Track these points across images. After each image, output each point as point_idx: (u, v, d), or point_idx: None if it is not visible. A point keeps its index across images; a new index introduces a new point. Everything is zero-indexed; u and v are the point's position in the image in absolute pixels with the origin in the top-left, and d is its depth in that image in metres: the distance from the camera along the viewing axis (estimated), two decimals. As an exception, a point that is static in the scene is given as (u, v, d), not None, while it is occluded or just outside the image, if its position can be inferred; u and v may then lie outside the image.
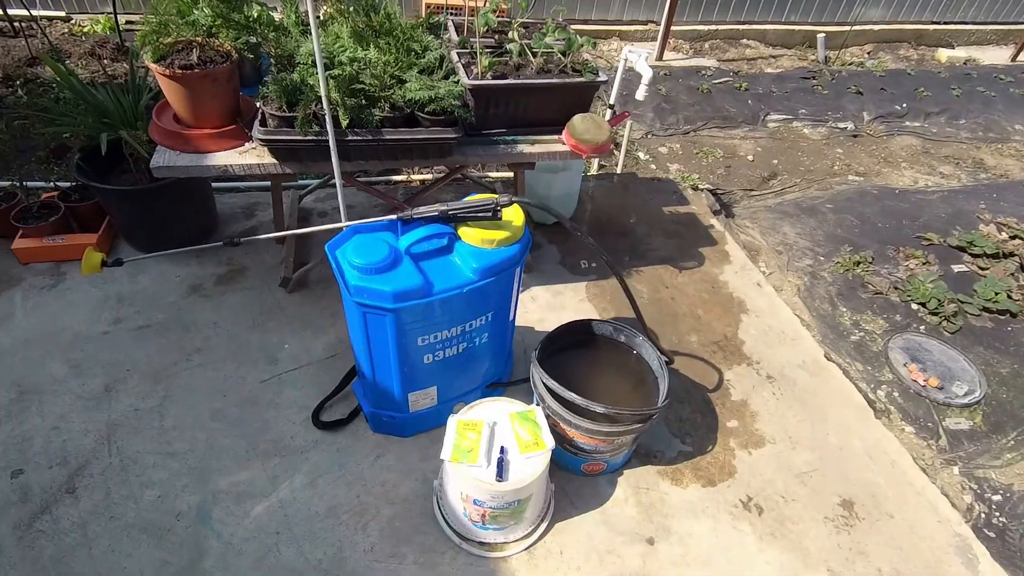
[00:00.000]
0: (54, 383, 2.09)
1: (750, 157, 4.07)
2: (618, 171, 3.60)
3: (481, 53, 2.13)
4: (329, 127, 1.85)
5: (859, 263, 3.10)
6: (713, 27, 5.80)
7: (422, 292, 1.61)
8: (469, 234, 1.71)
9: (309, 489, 1.86)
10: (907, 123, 4.72)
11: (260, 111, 1.96)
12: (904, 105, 4.82)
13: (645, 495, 1.95)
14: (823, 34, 5.73)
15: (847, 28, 5.89)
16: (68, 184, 2.64)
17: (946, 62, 6.04)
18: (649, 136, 4.20)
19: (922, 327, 2.77)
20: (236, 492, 1.84)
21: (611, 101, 3.16)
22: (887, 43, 6.24)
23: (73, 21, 4.87)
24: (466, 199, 1.74)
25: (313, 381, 2.17)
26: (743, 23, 5.85)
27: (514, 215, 1.76)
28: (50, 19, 4.82)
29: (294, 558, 1.70)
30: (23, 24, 4.43)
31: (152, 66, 1.88)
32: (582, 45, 2.27)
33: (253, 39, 2.09)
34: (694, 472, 2.02)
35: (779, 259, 3.15)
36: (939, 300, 2.82)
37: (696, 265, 2.89)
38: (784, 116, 4.58)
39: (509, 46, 2.23)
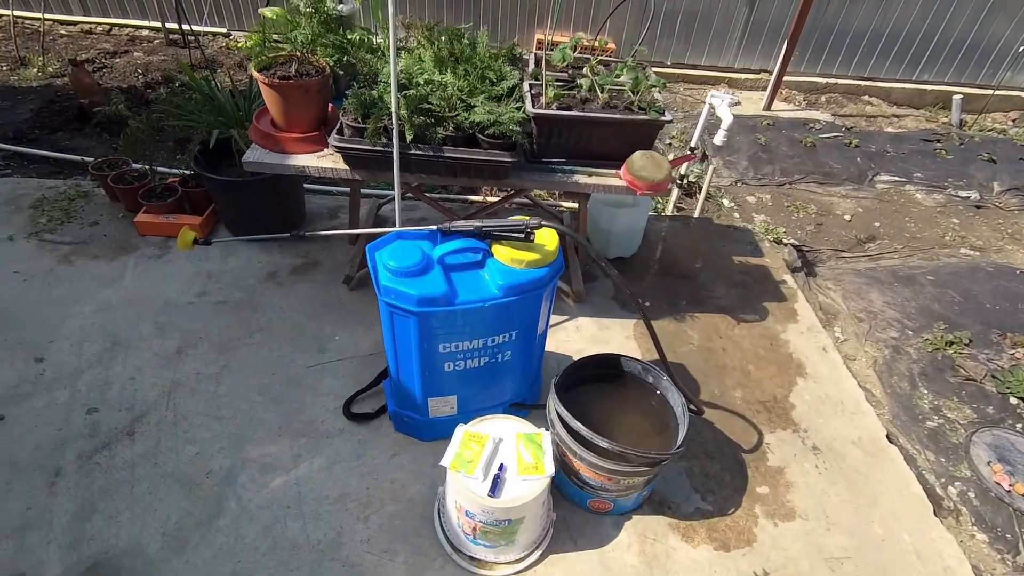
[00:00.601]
0: (140, 340, 2.38)
1: (847, 217, 3.81)
2: (695, 215, 3.52)
3: (549, 84, 2.21)
4: (395, 141, 2.00)
5: (953, 343, 2.79)
6: (832, 80, 5.53)
7: (445, 300, 1.68)
8: (501, 252, 1.76)
9: (325, 472, 1.97)
10: (1047, 199, 4.20)
11: (340, 121, 2.16)
12: (1046, 179, 4.30)
13: (650, 545, 1.86)
14: (960, 96, 5.27)
15: (989, 92, 5.38)
16: (187, 172, 3.02)
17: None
18: (738, 184, 4.07)
19: (1019, 425, 2.43)
20: (262, 462, 1.99)
21: (692, 143, 3.13)
22: (1038, 111, 5.62)
23: (231, 37, 5.60)
24: (506, 220, 1.81)
25: (352, 373, 2.30)
26: (866, 79, 5.53)
27: (548, 240, 1.80)
28: (213, 34, 5.58)
29: (297, 533, 1.81)
30: (191, 37, 5.16)
31: (256, 75, 2.14)
32: (654, 85, 2.29)
33: (348, 58, 2.32)
34: (708, 532, 1.91)
35: (858, 327, 2.91)
36: (1045, 398, 2.47)
37: (757, 319, 2.75)
38: (896, 178, 4.25)
39: (580, 80, 2.29)
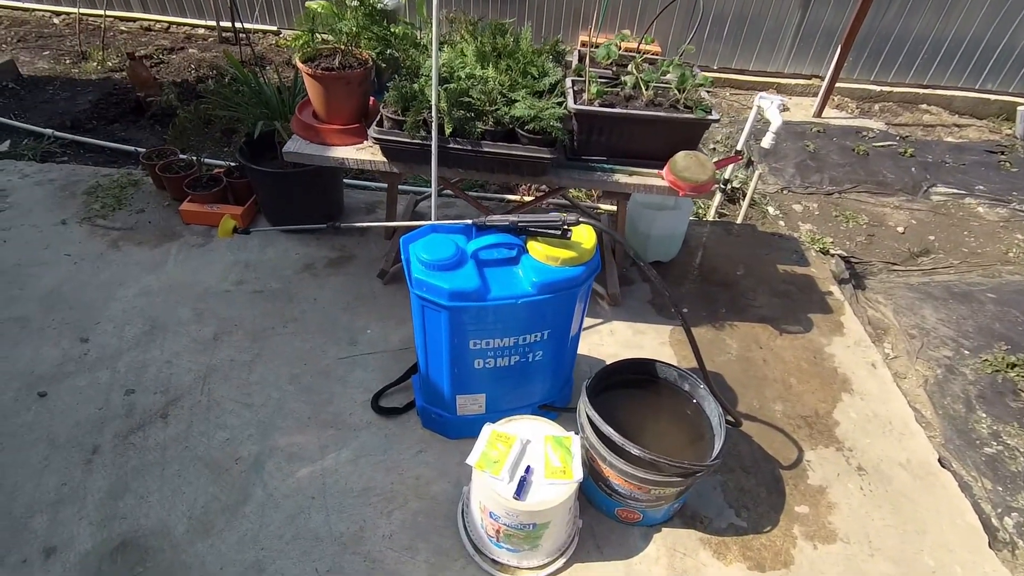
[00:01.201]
0: (178, 325, 2.43)
1: (900, 229, 3.64)
2: (738, 221, 3.41)
3: (592, 80, 2.16)
4: (434, 134, 1.99)
5: (1015, 365, 2.62)
6: (888, 88, 5.31)
7: (477, 295, 1.65)
8: (536, 249, 1.72)
9: (351, 465, 1.96)
10: (1123, 217, 3.92)
11: (380, 114, 2.16)
12: (1122, 196, 4.02)
13: (680, 560, 1.78)
14: (1026, 107, 4.99)
15: (1059, 103, 5.07)
16: (232, 163, 3.08)
17: None
18: (785, 191, 3.93)
19: (1087, 457, 2.25)
20: (289, 452, 1.99)
21: (739, 147, 3.03)
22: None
23: (281, 35, 5.72)
24: (542, 215, 1.77)
25: (382, 367, 2.29)
26: (925, 87, 5.29)
27: (586, 237, 1.75)
28: (264, 32, 5.72)
29: (320, 525, 1.80)
30: (242, 35, 5.30)
31: (300, 66, 2.16)
32: (700, 84, 2.22)
33: (392, 52, 2.32)
34: (742, 550, 1.82)
35: (910, 343, 2.75)
36: (1118, 429, 2.28)
37: (800, 331, 2.63)
38: (954, 190, 4.04)
39: (624, 78, 2.24)
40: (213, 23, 5.55)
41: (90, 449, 1.95)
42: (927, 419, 2.35)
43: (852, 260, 3.32)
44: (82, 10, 5.41)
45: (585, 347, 2.42)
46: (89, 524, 1.75)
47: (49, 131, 3.66)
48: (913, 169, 4.19)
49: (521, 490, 1.57)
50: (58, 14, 5.68)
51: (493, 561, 1.73)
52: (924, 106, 5.34)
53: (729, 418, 1.83)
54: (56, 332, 2.35)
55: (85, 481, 1.86)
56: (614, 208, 3.34)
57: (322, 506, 1.85)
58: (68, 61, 4.79)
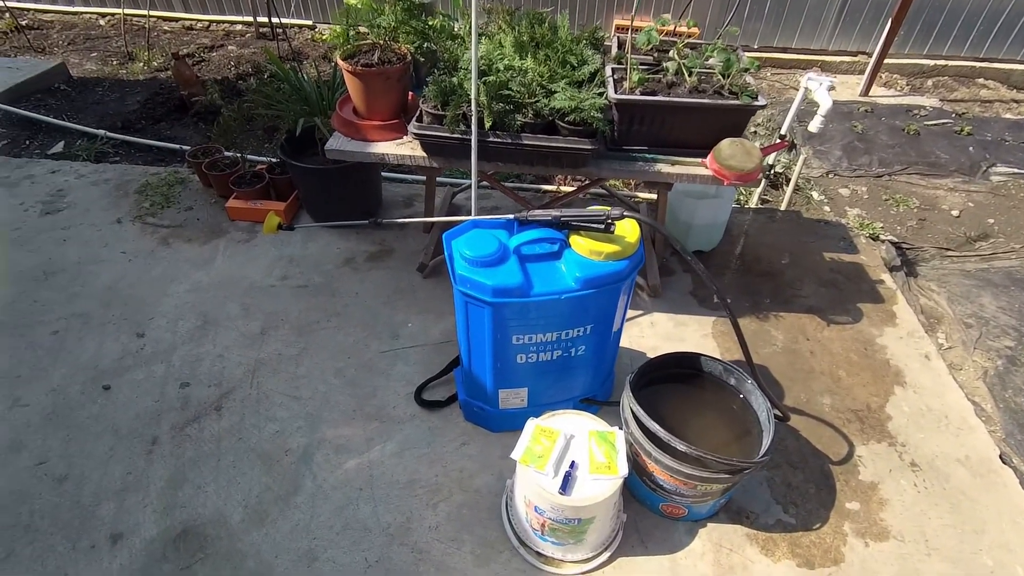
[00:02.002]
0: (228, 320, 2.51)
1: (955, 212, 3.47)
2: (782, 208, 3.31)
3: (633, 68, 2.11)
4: (473, 128, 1.98)
5: (1082, 357, 2.49)
6: (941, 62, 5.05)
7: (520, 291, 1.65)
8: (579, 243, 1.71)
9: (396, 458, 2.00)
10: None
11: (420, 108, 2.16)
12: None
13: (726, 556, 1.77)
14: (1095, 78, 4.69)
15: None
16: (273, 159, 3.14)
17: None
18: (831, 175, 3.79)
19: None
20: (337, 444, 2.04)
21: (783, 131, 2.93)
22: None
23: (316, 29, 5.78)
24: (585, 209, 1.75)
25: (424, 360, 2.32)
26: (981, 60, 5.01)
27: (629, 232, 1.73)
28: (300, 27, 5.79)
29: (368, 516, 1.84)
30: (279, 30, 5.37)
31: (340, 63, 2.18)
32: (747, 68, 2.15)
33: (429, 45, 2.32)
34: (791, 547, 1.79)
35: (966, 333, 2.64)
36: None
37: (849, 321, 2.55)
38: (1016, 169, 3.83)
39: (666, 64, 2.18)
40: (250, 19, 5.64)
41: (150, 440, 2.04)
42: (987, 413, 2.26)
43: (903, 246, 3.20)
44: (126, 10, 5.57)
45: (626, 339, 2.40)
46: (153, 512, 1.84)
47: (102, 132, 3.79)
48: (970, 148, 3.98)
49: (566, 485, 1.58)
50: (104, 15, 5.86)
51: (538, 554, 1.75)
52: (981, 81, 5.06)
53: (776, 412, 1.79)
54: (115, 327, 2.45)
55: (147, 471, 1.95)
56: (653, 196, 3.29)
57: (370, 497, 1.89)
58: (115, 62, 4.94)
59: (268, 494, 1.90)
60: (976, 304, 2.80)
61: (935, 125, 4.24)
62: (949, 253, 3.21)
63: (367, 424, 2.11)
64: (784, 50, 5.25)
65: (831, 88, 2.60)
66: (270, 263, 2.79)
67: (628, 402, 1.75)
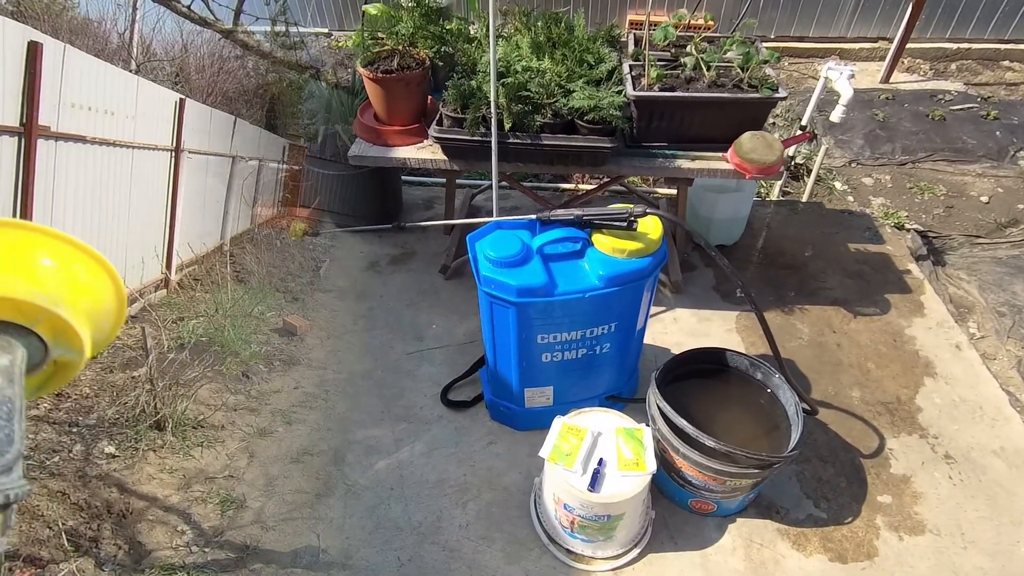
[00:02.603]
0: (257, 325, 2.56)
1: (984, 198, 3.40)
2: (804, 199, 3.28)
3: (651, 64, 2.11)
4: (493, 130, 2.00)
5: (1121, 344, 2.42)
6: (965, 45, 4.94)
7: (544, 291, 1.66)
8: (602, 242, 1.72)
9: (425, 458, 2.03)
10: None
11: (440, 112, 2.19)
12: None
13: (757, 551, 1.76)
14: None
15: None
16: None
17: None
18: (853, 164, 3.74)
19: None
20: (367, 445, 2.08)
21: (803, 122, 2.90)
22: None
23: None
24: (607, 207, 1.76)
25: (449, 361, 2.35)
26: (1006, 41, 4.89)
27: (652, 228, 1.73)
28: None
29: (399, 515, 1.87)
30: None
31: (361, 70, 2.21)
32: (766, 60, 2.14)
33: (447, 49, 2.34)
34: (822, 541, 1.78)
35: (999, 322, 2.59)
36: None
37: (877, 312, 2.52)
38: (1045, 153, 3.73)
39: (684, 59, 2.18)
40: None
41: (186, 444, 2.09)
42: (1021, 403, 2.22)
43: (930, 234, 3.15)
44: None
45: (649, 336, 2.39)
46: (191, 514, 1.89)
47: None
48: (998, 133, 3.90)
49: (595, 482, 1.59)
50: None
51: (568, 551, 1.77)
52: (1007, 63, 4.93)
53: (805, 406, 1.78)
54: (148, 335, 2.51)
55: (184, 474, 2.00)
56: (672, 192, 3.27)
57: (400, 497, 1.92)
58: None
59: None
60: (1009, 292, 2.75)
61: (960, 110, 4.16)
62: (979, 240, 3.14)
63: (396, 425, 2.14)
64: (801, 39, 5.18)
65: (851, 76, 2.57)
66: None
67: (654, 398, 1.76)
